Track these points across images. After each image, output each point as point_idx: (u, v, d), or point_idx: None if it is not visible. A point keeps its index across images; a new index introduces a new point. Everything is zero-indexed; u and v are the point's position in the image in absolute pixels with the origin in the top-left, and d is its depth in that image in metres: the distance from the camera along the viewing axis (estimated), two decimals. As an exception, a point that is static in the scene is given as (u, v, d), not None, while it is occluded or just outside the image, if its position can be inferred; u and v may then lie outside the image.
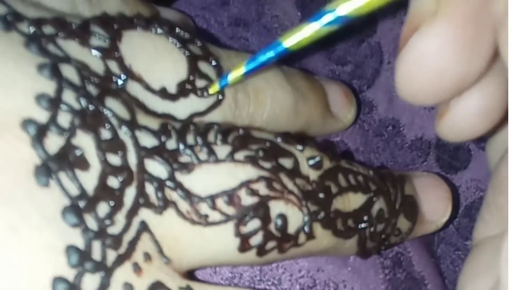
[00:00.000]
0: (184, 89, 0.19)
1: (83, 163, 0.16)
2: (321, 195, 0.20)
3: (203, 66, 0.20)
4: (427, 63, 0.15)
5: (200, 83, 0.20)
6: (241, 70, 0.19)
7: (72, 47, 0.17)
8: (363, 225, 0.21)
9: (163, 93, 0.19)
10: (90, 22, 0.18)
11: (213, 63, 0.20)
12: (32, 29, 0.17)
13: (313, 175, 0.20)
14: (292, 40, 0.17)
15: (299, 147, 0.20)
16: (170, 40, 0.20)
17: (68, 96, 0.16)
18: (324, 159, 0.20)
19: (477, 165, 0.29)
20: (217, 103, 0.20)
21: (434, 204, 0.24)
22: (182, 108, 0.19)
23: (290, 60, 0.26)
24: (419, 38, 0.15)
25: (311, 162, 0.20)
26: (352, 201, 0.21)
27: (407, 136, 0.31)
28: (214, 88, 0.20)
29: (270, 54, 0.18)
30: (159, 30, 0.20)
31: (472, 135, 0.18)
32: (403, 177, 0.24)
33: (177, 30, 0.20)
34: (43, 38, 0.17)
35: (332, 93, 0.25)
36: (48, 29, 0.17)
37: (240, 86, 0.21)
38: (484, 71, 0.16)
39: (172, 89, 0.19)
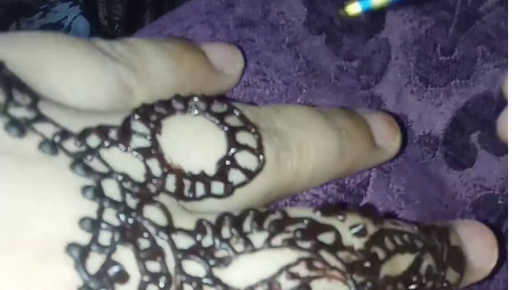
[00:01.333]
0: (224, 166, 0.19)
1: (123, 277, 0.16)
2: (367, 264, 0.19)
3: (242, 137, 0.20)
4: None
5: (240, 155, 0.20)
6: None
7: (114, 156, 0.18)
8: (412, 286, 0.20)
9: (202, 177, 0.19)
10: (131, 120, 0.19)
11: (252, 130, 0.20)
12: (77, 146, 0.18)
13: (358, 243, 0.19)
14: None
15: (340, 217, 0.20)
16: (208, 117, 0.20)
17: (109, 215, 0.17)
18: (367, 224, 0.20)
19: (482, 163, 0.29)
20: (259, 169, 0.20)
21: (480, 252, 0.24)
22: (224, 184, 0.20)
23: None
24: None
25: (354, 230, 0.19)
26: (400, 263, 0.20)
27: (416, 132, 0.31)
28: (353, 8, 0.20)
29: None
30: (197, 110, 0.20)
31: None
32: (447, 228, 0.23)
33: (215, 104, 0.20)
34: (88, 154, 0.18)
35: (375, 125, 0.25)
36: (92, 141, 0.18)
37: (281, 145, 0.21)
38: None
39: (211, 169, 0.19)
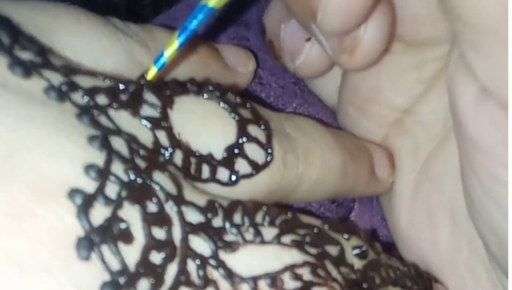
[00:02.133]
0: (231, 154, 0.19)
1: (127, 236, 0.15)
2: (364, 286, 0.19)
3: (253, 130, 0.20)
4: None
5: (248, 146, 0.20)
6: (174, 45, 0.20)
7: (123, 118, 0.17)
8: None
9: (209, 159, 0.19)
10: (143, 89, 0.18)
11: (263, 126, 0.20)
12: (85, 99, 0.17)
13: (358, 264, 0.20)
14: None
15: (346, 236, 0.20)
16: (221, 105, 0.20)
17: (117, 168, 0.16)
18: (368, 250, 0.20)
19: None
20: (266, 164, 0.20)
21: None
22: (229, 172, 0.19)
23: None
24: None
25: (357, 251, 0.20)
26: None
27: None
28: (151, 73, 0.20)
29: (200, 17, 0.19)
30: (211, 95, 0.20)
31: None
32: (432, 277, 0.24)
33: (229, 94, 0.20)
34: (96, 110, 0.17)
35: (376, 156, 0.26)
36: (101, 99, 0.17)
37: (289, 147, 0.21)
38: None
39: (219, 154, 0.19)
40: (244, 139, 0.20)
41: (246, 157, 0.20)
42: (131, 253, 0.15)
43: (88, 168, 0.15)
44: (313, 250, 0.18)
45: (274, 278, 0.17)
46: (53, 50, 0.19)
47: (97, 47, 0.20)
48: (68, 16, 0.20)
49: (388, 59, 0.24)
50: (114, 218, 0.15)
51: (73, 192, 0.15)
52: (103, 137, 0.16)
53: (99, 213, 0.15)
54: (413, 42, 0.23)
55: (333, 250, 0.19)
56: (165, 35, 0.23)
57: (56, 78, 0.17)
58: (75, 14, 0.20)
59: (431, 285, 0.23)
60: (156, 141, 0.18)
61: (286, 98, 0.28)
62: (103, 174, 0.15)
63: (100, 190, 0.15)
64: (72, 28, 0.20)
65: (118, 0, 0.26)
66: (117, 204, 0.15)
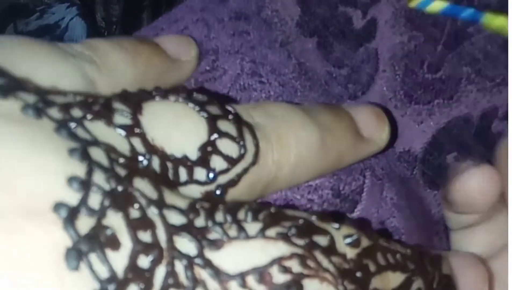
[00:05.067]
0: (205, 152, 0.20)
1: (114, 242, 0.15)
2: (358, 274, 0.19)
3: (223, 125, 0.20)
4: None
5: (221, 142, 0.20)
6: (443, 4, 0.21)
7: (99, 129, 0.18)
8: None
9: (184, 161, 0.19)
10: (112, 100, 0.19)
11: (232, 120, 0.20)
12: (61, 114, 0.17)
13: (350, 253, 0.19)
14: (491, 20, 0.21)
15: (335, 225, 0.20)
16: (189, 105, 0.20)
17: (98, 178, 0.16)
18: (362, 237, 0.20)
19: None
20: (240, 157, 0.20)
21: (472, 284, 0.24)
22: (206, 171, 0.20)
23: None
24: None
25: (348, 240, 0.19)
26: (391, 280, 0.20)
27: (396, 148, 0.31)
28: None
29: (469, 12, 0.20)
30: (177, 97, 0.20)
31: None
32: (440, 256, 0.24)
33: (195, 95, 0.20)
34: (72, 122, 0.17)
35: (361, 117, 0.25)
36: (76, 112, 0.17)
37: (261, 135, 0.21)
38: None
39: (193, 155, 0.19)
40: (216, 135, 0.20)
41: (220, 153, 0.20)
42: (119, 259, 0.15)
43: (71, 180, 0.15)
44: (300, 241, 0.18)
45: (262, 273, 0.17)
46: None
47: (54, 71, 0.21)
48: (23, 47, 0.20)
49: None
50: (99, 226, 0.15)
51: (58, 206, 0.15)
52: (82, 149, 0.16)
53: (84, 224, 0.15)
54: None
55: (322, 240, 0.19)
56: (106, 44, 0.23)
57: (31, 98, 0.17)
58: (29, 44, 0.21)
59: (440, 262, 0.23)
60: (133, 149, 0.18)
61: (286, 97, 0.27)
62: (85, 185, 0.16)
63: (84, 201, 0.15)
64: (28, 57, 0.20)
65: (116, 1, 0.27)
66: (101, 213, 0.15)
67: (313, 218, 0.19)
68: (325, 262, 0.18)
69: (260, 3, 0.28)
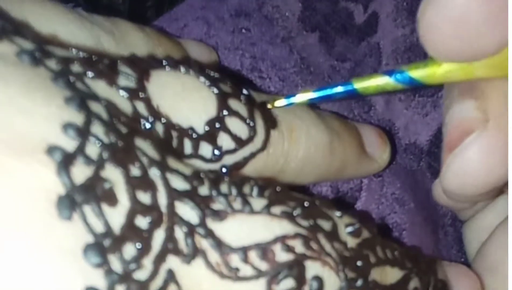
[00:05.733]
0: (213, 128, 0.19)
1: (111, 198, 0.14)
2: (359, 263, 0.18)
3: (234, 104, 0.19)
4: (476, 167, 0.19)
5: (230, 120, 0.19)
6: (308, 95, 0.21)
7: (99, 87, 0.16)
8: None
9: (190, 133, 0.18)
10: (118, 62, 0.18)
11: (244, 101, 0.20)
12: (59, 66, 0.16)
13: (351, 242, 0.19)
14: (362, 84, 0.21)
15: (338, 213, 0.19)
16: (200, 79, 0.19)
17: (97, 129, 0.15)
18: (362, 229, 0.20)
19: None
20: (249, 139, 0.20)
21: None
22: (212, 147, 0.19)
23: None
24: (472, 141, 0.19)
25: (350, 229, 0.19)
26: (389, 275, 0.20)
27: (402, 140, 0.31)
28: (279, 103, 0.21)
29: (339, 89, 0.21)
30: (189, 70, 0.19)
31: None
32: (435, 260, 0.23)
33: (207, 70, 0.20)
34: (71, 76, 0.16)
35: (366, 134, 0.25)
36: (76, 68, 0.16)
37: (273, 124, 0.21)
38: None
39: (200, 128, 0.19)
40: (225, 112, 0.19)
41: (228, 131, 0.19)
42: (116, 216, 0.14)
43: (67, 126, 0.14)
44: (304, 223, 0.17)
45: (265, 249, 0.16)
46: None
47: (64, 32, 0.20)
48: (34, 2, 0.19)
49: None
50: (96, 178, 0.14)
51: (52, 149, 0.14)
52: (80, 99, 0.15)
53: (80, 172, 0.14)
54: None
55: (325, 224, 0.18)
56: (129, 26, 0.22)
57: (28, 45, 0.16)
58: (49, 3, 0.20)
59: (435, 266, 0.23)
60: (135, 111, 0.17)
61: (287, 92, 0.27)
62: (82, 133, 0.14)
63: (80, 149, 0.14)
64: (39, 13, 0.19)
65: (121, 2, 0.27)
66: (98, 164, 0.14)
67: (317, 203, 0.19)
68: (327, 247, 0.18)
69: (260, 0, 0.28)
